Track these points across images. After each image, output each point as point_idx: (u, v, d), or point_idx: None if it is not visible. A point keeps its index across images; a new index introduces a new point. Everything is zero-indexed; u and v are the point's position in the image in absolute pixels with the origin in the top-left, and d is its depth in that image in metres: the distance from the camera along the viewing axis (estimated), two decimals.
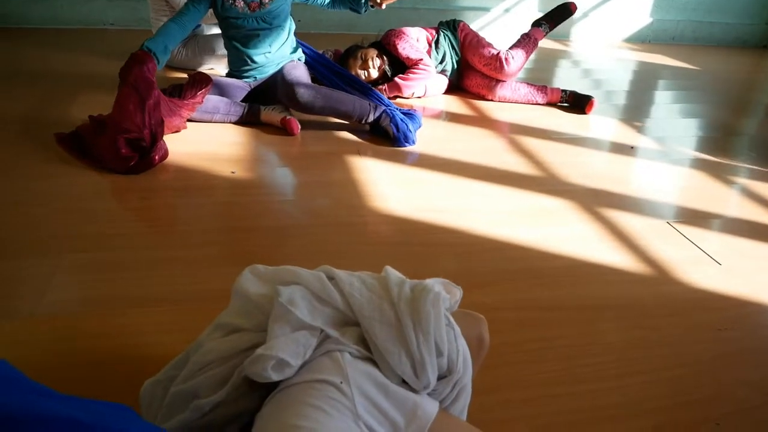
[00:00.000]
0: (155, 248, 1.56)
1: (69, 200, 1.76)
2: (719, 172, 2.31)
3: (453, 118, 2.78)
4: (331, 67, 2.62)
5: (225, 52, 2.75)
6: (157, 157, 1.96)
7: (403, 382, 0.74)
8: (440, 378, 0.77)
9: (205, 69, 3.05)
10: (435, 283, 0.80)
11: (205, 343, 0.80)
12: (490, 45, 2.97)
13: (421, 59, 2.85)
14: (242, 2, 2.33)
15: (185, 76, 2.71)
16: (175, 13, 2.34)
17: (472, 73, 3.04)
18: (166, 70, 3.03)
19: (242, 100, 2.49)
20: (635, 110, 3.12)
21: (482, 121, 2.74)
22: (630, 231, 1.80)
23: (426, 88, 2.93)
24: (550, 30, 3.08)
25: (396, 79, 2.85)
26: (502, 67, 2.89)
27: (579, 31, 4.90)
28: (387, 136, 2.36)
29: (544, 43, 4.20)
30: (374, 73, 2.83)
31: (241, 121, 2.43)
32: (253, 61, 2.45)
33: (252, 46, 2.43)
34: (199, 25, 3.11)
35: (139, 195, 1.83)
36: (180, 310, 1.30)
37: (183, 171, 2.00)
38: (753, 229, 1.89)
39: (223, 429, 0.75)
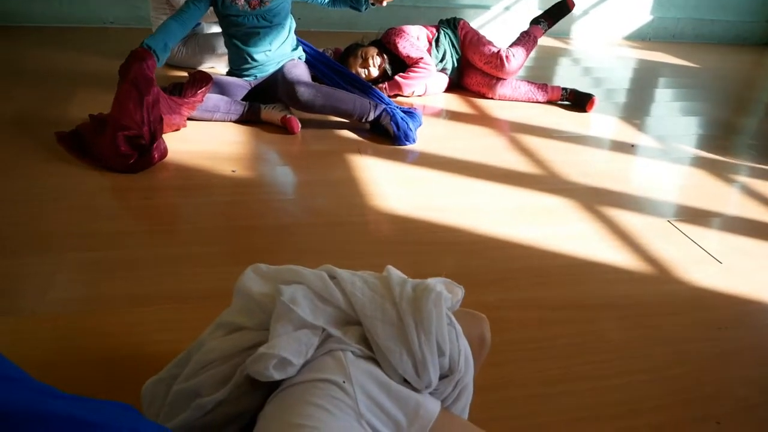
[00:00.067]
0: (156, 247, 1.56)
1: (71, 199, 1.76)
2: (720, 171, 2.32)
3: (453, 116, 2.78)
4: (331, 66, 2.61)
5: (225, 50, 2.75)
6: (156, 155, 1.96)
7: (405, 382, 0.74)
8: (442, 377, 0.77)
9: (205, 68, 3.05)
10: (437, 283, 0.80)
11: (207, 341, 0.80)
12: (490, 43, 2.97)
13: (422, 58, 2.84)
14: (242, 0, 2.33)
15: (185, 74, 2.71)
16: (175, 12, 2.34)
17: (472, 72, 3.03)
18: (166, 68, 3.02)
19: (242, 99, 2.49)
20: (635, 108, 3.12)
21: (483, 119, 2.74)
22: (630, 229, 1.80)
23: (426, 87, 2.93)
24: (549, 27, 3.08)
25: (396, 77, 2.85)
26: (502, 64, 2.89)
27: (579, 28, 4.89)
28: (387, 134, 2.36)
29: (545, 40, 4.19)
30: (374, 72, 2.83)
31: (241, 120, 2.43)
32: (254, 60, 2.45)
33: (252, 44, 2.42)
34: (199, 24, 3.11)
35: (140, 194, 1.83)
36: (181, 309, 1.31)
37: (183, 170, 2.00)
38: (753, 227, 1.89)
39: (224, 428, 0.75)
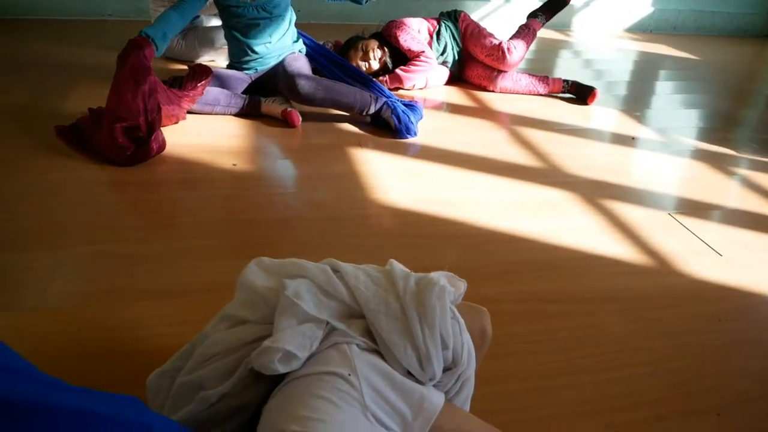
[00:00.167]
0: (157, 241, 1.56)
1: (71, 193, 1.76)
2: (720, 163, 2.31)
3: (454, 109, 2.77)
4: (331, 59, 2.60)
5: (224, 44, 2.74)
6: (155, 147, 1.96)
7: (409, 374, 0.74)
8: (445, 370, 0.78)
9: (205, 61, 3.04)
10: (440, 277, 0.81)
11: (210, 334, 0.80)
12: (491, 35, 2.96)
13: (423, 51, 2.83)
14: None
15: (185, 68, 2.70)
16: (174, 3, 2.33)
17: (473, 64, 3.03)
18: (166, 61, 3.01)
19: (243, 92, 2.48)
20: (636, 101, 3.11)
21: (483, 112, 2.74)
22: (631, 222, 1.80)
23: (427, 80, 2.92)
24: (547, 21, 3.08)
25: (397, 70, 2.84)
26: (504, 57, 2.88)
27: (580, 20, 4.88)
28: (388, 127, 2.35)
29: (545, 32, 4.19)
30: (375, 65, 2.82)
31: (241, 113, 2.42)
32: (254, 52, 2.44)
33: (252, 36, 2.41)
34: (198, 17, 3.10)
35: (141, 187, 1.83)
36: (182, 303, 1.31)
37: (184, 163, 2.00)
38: (754, 220, 1.89)
39: (228, 420, 0.75)
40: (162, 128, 2.06)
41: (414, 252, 1.58)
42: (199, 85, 2.26)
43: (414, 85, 2.89)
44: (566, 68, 3.73)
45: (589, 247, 1.65)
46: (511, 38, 2.97)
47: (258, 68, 2.49)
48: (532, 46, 3.23)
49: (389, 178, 1.97)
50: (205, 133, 2.24)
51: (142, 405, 0.56)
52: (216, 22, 3.13)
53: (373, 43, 2.82)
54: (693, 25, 5.14)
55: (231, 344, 0.76)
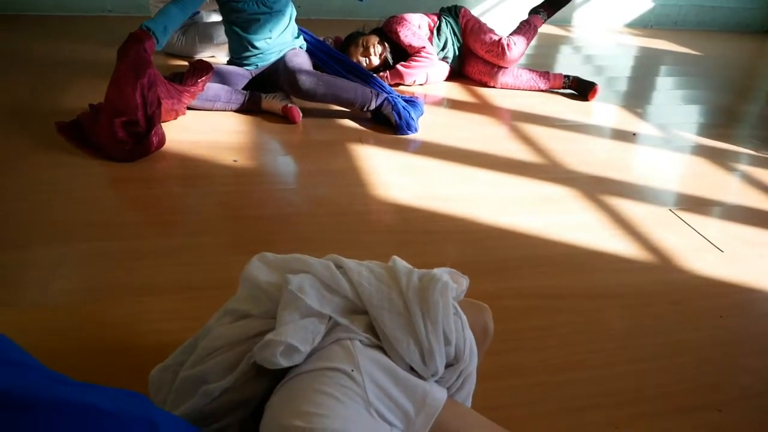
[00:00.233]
0: (158, 237, 1.56)
1: (73, 190, 1.75)
2: (721, 159, 2.31)
3: (455, 105, 2.77)
4: (332, 55, 2.60)
5: (224, 40, 2.73)
6: (155, 141, 1.95)
7: (411, 370, 0.74)
8: (447, 366, 0.78)
9: (205, 57, 3.03)
10: (443, 273, 0.81)
11: (213, 328, 0.80)
12: (491, 31, 2.95)
13: (423, 47, 2.83)
14: None
15: (185, 63, 2.69)
16: None
17: (474, 60, 3.02)
18: (166, 57, 3.01)
19: (243, 88, 2.48)
20: (637, 96, 3.11)
21: (484, 108, 2.73)
22: (632, 218, 1.80)
23: (428, 76, 2.92)
24: (548, 17, 3.07)
25: (398, 66, 2.83)
26: (504, 52, 2.87)
27: (581, 15, 4.86)
28: (389, 123, 2.35)
29: (546, 28, 4.16)
30: (375, 61, 2.82)
31: (242, 109, 2.42)
32: (255, 47, 2.44)
33: (252, 32, 2.41)
34: (198, 12, 3.09)
35: (142, 184, 1.83)
36: (183, 299, 1.31)
37: (185, 160, 2.00)
38: (755, 215, 1.89)
39: (230, 414, 0.76)
40: (162, 124, 2.05)
41: (415, 248, 1.58)
42: (199, 81, 2.25)
43: (414, 81, 2.89)
44: (567, 64, 3.72)
45: (590, 243, 1.65)
46: (511, 34, 2.97)
47: (258, 64, 2.49)
48: (533, 42, 3.21)
49: (390, 174, 1.97)
50: (205, 130, 2.23)
51: (146, 401, 0.56)
52: (216, 17, 3.13)
53: (374, 39, 2.81)
54: (694, 20, 5.13)
55: (234, 338, 0.76)
